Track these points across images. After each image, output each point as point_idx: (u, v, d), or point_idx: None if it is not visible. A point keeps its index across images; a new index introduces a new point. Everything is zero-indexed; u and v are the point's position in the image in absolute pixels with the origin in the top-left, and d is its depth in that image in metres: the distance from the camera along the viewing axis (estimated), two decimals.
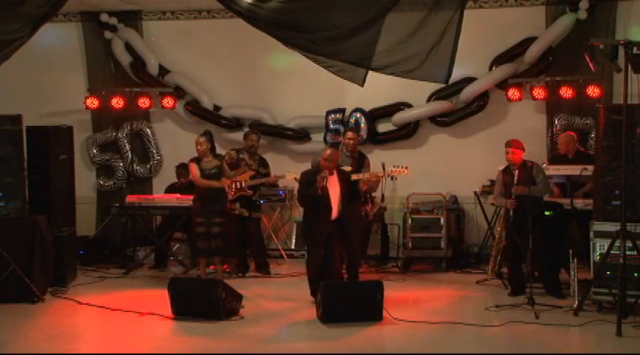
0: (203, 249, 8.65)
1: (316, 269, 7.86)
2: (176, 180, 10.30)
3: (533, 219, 7.57)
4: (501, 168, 8.21)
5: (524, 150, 8.04)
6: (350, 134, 8.79)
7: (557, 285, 7.93)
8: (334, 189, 7.74)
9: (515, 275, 8.01)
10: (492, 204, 9.22)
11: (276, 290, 8.44)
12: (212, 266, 9.11)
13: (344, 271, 8.27)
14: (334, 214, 7.74)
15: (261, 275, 9.35)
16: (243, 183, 9.25)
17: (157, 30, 11.03)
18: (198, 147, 8.70)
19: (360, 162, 8.69)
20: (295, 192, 8.76)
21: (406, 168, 8.74)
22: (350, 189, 7.96)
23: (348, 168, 8.44)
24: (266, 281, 9.06)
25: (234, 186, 9.20)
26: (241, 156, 9.35)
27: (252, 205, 9.44)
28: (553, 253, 7.97)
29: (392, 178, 8.84)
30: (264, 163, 9.66)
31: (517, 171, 7.88)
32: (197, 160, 8.72)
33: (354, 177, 8.39)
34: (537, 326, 6.84)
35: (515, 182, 7.84)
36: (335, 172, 7.76)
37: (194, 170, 8.73)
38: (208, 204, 8.62)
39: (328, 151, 7.77)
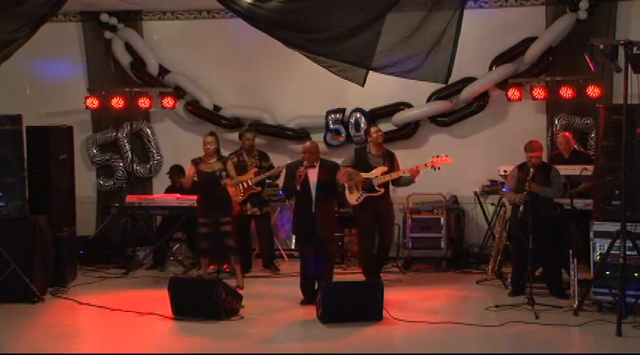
0: (205, 249, 8.58)
1: (303, 272, 7.85)
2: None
3: (543, 219, 7.58)
4: (517, 164, 8.10)
5: (542, 149, 8.05)
6: (375, 128, 8.70)
7: (561, 286, 7.91)
8: (314, 183, 7.75)
9: (520, 276, 7.94)
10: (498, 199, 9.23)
11: (276, 290, 8.43)
12: (212, 266, 9.11)
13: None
14: (312, 208, 7.72)
15: (263, 275, 9.32)
16: (249, 181, 9.22)
17: (157, 30, 11.03)
18: (208, 146, 8.48)
19: (392, 160, 8.63)
20: None
21: (447, 156, 8.56)
22: (329, 185, 7.83)
23: (383, 169, 8.45)
24: (266, 281, 9.05)
25: (241, 187, 9.15)
26: (241, 158, 9.35)
27: (262, 202, 9.43)
28: (557, 253, 7.96)
29: (434, 169, 8.57)
30: (264, 157, 9.61)
31: (534, 170, 7.77)
32: (197, 162, 8.57)
33: (394, 175, 8.43)
34: (537, 326, 6.84)
35: (529, 178, 7.70)
36: (317, 165, 7.79)
37: (189, 172, 8.65)
38: (214, 205, 8.45)
39: (307, 144, 7.93)
